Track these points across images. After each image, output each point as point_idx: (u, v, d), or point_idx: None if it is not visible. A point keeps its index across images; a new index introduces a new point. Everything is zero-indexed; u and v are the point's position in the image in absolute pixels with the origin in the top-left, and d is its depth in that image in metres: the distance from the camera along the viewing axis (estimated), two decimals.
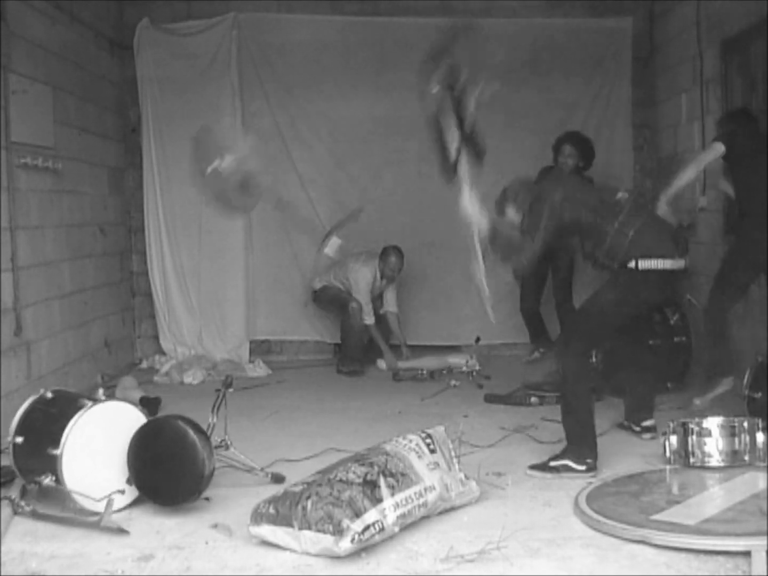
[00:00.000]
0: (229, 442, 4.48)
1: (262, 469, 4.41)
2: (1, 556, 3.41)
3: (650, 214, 4.73)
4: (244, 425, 5.52)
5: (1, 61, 5.42)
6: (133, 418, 4.15)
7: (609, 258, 4.58)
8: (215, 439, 4.42)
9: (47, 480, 3.95)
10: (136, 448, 3.99)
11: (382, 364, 7.39)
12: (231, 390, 4.67)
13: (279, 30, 7.84)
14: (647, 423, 5.05)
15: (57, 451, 3.92)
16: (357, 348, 7.42)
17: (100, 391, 4.35)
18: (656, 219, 4.83)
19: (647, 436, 5.00)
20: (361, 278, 7.40)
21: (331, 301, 7.57)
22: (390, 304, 7.60)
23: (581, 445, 4.45)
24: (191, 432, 3.95)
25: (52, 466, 3.93)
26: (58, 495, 4.04)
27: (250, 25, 7.80)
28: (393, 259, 7.42)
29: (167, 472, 3.93)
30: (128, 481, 3.99)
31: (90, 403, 4.08)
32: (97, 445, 4.03)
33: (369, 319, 7.39)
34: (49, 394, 4.28)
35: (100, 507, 3.86)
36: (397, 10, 7.88)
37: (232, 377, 4.78)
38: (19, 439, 4.13)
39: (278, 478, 4.32)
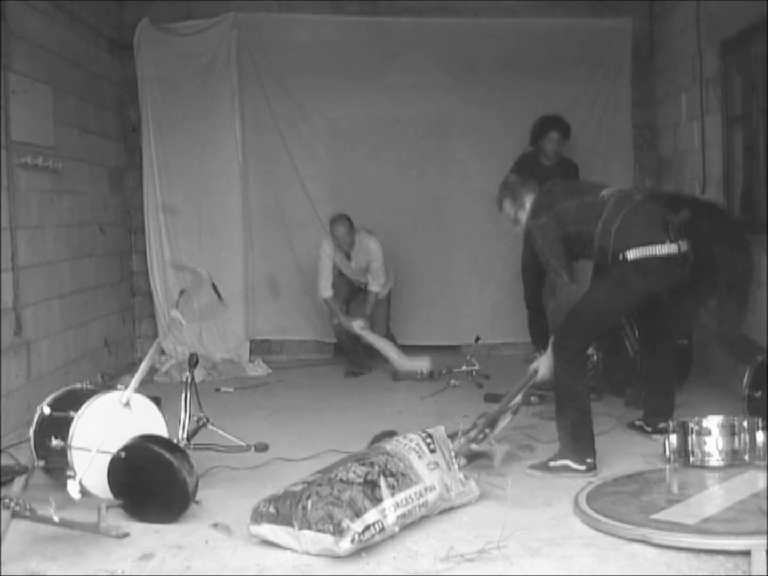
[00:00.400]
0: (206, 419, 4.51)
1: (245, 443, 4.45)
2: (1, 556, 3.40)
3: (635, 205, 4.65)
4: (244, 425, 5.52)
5: (1, 61, 5.42)
6: (153, 418, 4.27)
7: (602, 257, 4.57)
8: (193, 420, 4.46)
9: (56, 442, 4.04)
10: (115, 481, 3.96)
11: (357, 324, 7.20)
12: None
13: (279, 30, 7.84)
14: (662, 425, 4.90)
15: (76, 414, 4.08)
16: (351, 349, 7.38)
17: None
18: (641, 208, 4.69)
19: (658, 437, 4.83)
20: (321, 251, 7.27)
21: None
22: (373, 283, 7.35)
23: (578, 445, 4.44)
24: (166, 454, 3.91)
25: (66, 428, 4.05)
26: (59, 474, 4.08)
27: (250, 25, 7.80)
28: (340, 229, 7.15)
29: (153, 498, 3.90)
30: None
31: (123, 387, 4.26)
32: (113, 423, 4.12)
33: (324, 292, 7.25)
34: (90, 386, 4.48)
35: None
36: (397, 10, 7.88)
37: (197, 355, 4.84)
38: (47, 410, 4.27)
39: (261, 447, 4.33)
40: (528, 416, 5.61)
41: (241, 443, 4.40)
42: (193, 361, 4.68)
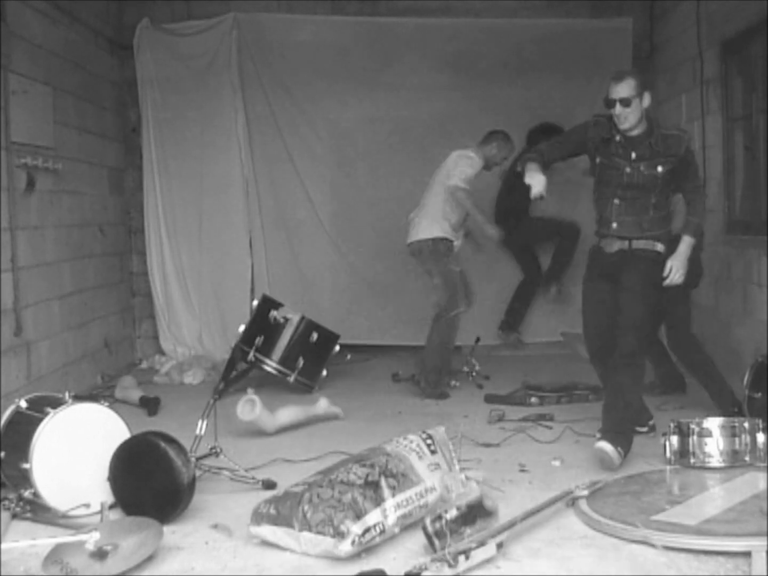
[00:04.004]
0: (218, 450, 4.45)
1: (252, 477, 4.32)
2: (1, 556, 3.40)
3: None
4: (244, 425, 5.52)
5: (1, 61, 5.42)
6: (100, 415, 4.15)
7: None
8: (205, 446, 4.40)
9: (27, 493, 3.95)
10: (115, 476, 3.96)
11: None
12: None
13: (279, 30, 7.85)
14: (652, 422, 5.09)
15: (27, 465, 3.92)
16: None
17: (67, 394, 4.27)
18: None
19: (652, 434, 4.99)
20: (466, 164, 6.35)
21: (445, 279, 6.46)
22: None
23: (629, 434, 4.58)
24: (162, 443, 3.90)
25: (28, 480, 3.94)
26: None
27: (250, 26, 7.80)
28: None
29: (148, 489, 3.88)
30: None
31: (51, 413, 4.03)
32: (68, 451, 4.01)
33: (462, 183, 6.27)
34: (23, 404, 4.23)
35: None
36: (397, 10, 7.89)
37: (223, 386, 4.74)
38: (2, 454, 4.13)
39: (269, 485, 4.27)
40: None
41: (250, 478, 4.34)
42: (219, 389, 4.61)
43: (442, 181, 6.37)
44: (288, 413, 5.47)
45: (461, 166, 6.29)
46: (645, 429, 5.05)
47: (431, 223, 6.35)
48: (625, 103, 4.59)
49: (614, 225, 4.74)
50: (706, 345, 6.39)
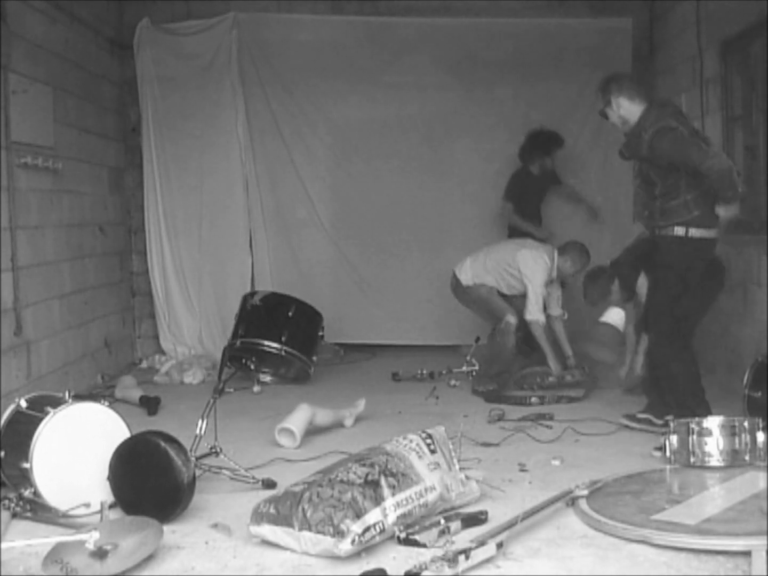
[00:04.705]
0: (218, 449, 4.44)
1: (252, 477, 4.31)
2: (1, 556, 3.40)
3: None
4: (244, 425, 5.53)
5: (1, 61, 5.42)
6: (100, 415, 4.14)
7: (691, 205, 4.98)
8: (205, 446, 4.40)
9: (27, 493, 3.95)
10: (115, 475, 3.95)
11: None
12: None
13: (279, 30, 7.85)
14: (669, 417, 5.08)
15: (27, 465, 3.93)
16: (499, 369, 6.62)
17: (67, 393, 4.27)
18: None
19: (664, 430, 4.97)
20: (540, 270, 6.38)
21: (479, 304, 6.76)
22: (554, 307, 6.62)
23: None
24: (162, 443, 3.89)
25: (28, 479, 3.94)
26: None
27: (250, 25, 7.80)
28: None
29: (148, 489, 3.87)
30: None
31: (51, 412, 4.02)
32: (69, 451, 4.01)
33: (540, 316, 6.39)
34: (24, 403, 4.22)
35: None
36: (397, 10, 7.89)
37: (224, 384, 4.75)
38: (2, 453, 4.13)
39: (270, 484, 4.26)
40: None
41: (250, 478, 4.33)
42: (219, 388, 4.61)
43: (503, 269, 6.53)
44: (324, 416, 5.44)
45: (534, 292, 6.36)
46: (660, 422, 5.01)
47: (471, 274, 6.61)
48: (604, 115, 5.14)
49: (643, 211, 5.16)
50: (706, 345, 6.40)
